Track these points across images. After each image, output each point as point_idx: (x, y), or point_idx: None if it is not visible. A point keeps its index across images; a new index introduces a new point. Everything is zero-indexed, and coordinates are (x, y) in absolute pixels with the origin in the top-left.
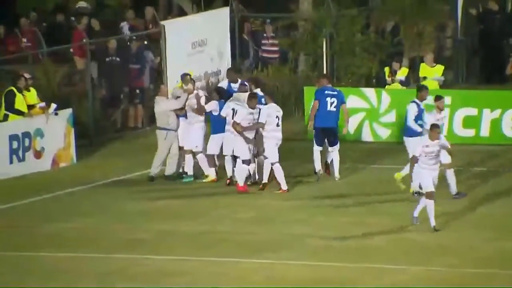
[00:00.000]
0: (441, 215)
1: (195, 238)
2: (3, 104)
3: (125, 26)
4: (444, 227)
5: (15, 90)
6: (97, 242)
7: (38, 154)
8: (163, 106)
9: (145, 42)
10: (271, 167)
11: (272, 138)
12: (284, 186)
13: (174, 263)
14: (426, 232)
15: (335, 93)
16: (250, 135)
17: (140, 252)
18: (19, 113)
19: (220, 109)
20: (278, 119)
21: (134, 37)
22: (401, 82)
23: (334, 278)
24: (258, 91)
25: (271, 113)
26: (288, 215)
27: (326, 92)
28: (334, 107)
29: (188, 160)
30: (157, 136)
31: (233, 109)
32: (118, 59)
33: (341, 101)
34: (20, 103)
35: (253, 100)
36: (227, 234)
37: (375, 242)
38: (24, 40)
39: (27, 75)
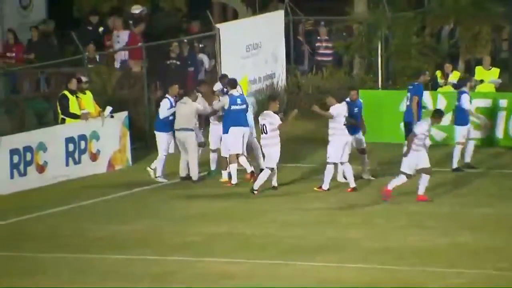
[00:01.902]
0: (483, 216)
1: (247, 241)
2: (58, 109)
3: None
4: (494, 229)
5: (67, 93)
6: (150, 244)
7: (94, 157)
8: (195, 107)
9: (200, 45)
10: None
11: (339, 138)
12: (325, 186)
13: (225, 266)
14: (479, 235)
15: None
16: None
17: (192, 254)
18: (75, 116)
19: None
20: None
21: (185, 40)
22: (454, 85)
23: (388, 281)
24: (235, 91)
25: (340, 112)
26: (343, 218)
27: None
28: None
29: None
30: (185, 138)
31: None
32: (176, 62)
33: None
34: (74, 106)
35: (273, 104)
36: (279, 237)
37: (430, 244)
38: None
39: (83, 78)
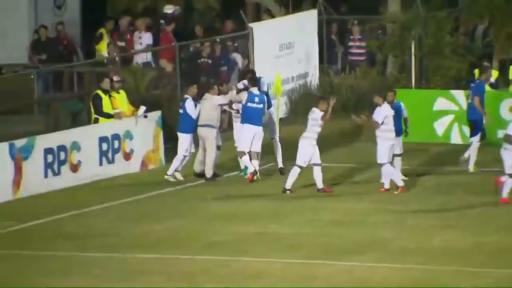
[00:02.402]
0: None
1: (280, 240)
2: (92, 108)
3: None
4: None
5: (100, 93)
6: (182, 243)
7: (127, 156)
8: (215, 101)
9: (234, 45)
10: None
11: (386, 139)
12: (387, 185)
13: (259, 265)
14: (509, 235)
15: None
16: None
17: (225, 253)
18: (108, 116)
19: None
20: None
21: (218, 39)
22: (491, 85)
23: (419, 280)
24: (255, 89)
25: (388, 114)
26: (373, 217)
27: None
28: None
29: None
30: (206, 134)
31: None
32: (209, 61)
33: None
34: (107, 105)
35: (321, 103)
36: (312, 236)
37: (460, 244)
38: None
39: (116, 78)
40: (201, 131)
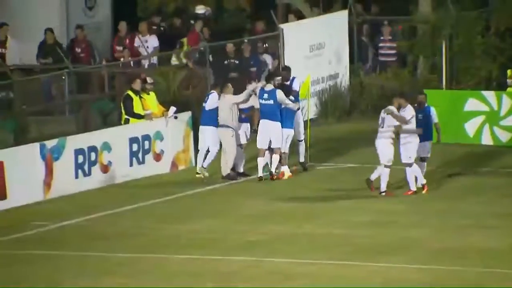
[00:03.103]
0: None
1: (313, 241)
2: (122, 109)
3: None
4: None
5: (131, 93)
6: (214, 243)
7: (157, 157)
8: (230, 100)
9: (265, 45)
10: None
11: (414, 140)
12: (412, 187)
13: (291, 265)
14: None
15: None
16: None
17: (257, 254)
18: (139, 117)
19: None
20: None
21: (246, 40)
22: None
23: (452, 281)
24: (268, 86)
25: (413, 114)
26: (404, 218)
27: None
28: None
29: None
30: (221, 134)
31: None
32: (236, 61)
33: None
34: (137, 106)
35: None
36: (344, 237)
37: (493, 245)
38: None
39: (149, 80)
40: (218, 131)
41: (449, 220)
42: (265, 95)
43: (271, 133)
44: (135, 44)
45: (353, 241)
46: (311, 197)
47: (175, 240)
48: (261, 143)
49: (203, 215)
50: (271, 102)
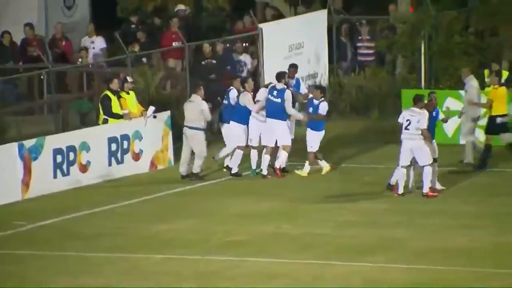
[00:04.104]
0: None
1: (295, 241)
2: (101, 109)
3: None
4: None
5: (109, 94)
6: (194, 243)
7: (136, 156)
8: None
9: (245, 45)
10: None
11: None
12: (426, 187)
13: (273, 265)
14: None
15: None
16: None
17: (237, 254)
18: (117, 116)
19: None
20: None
21: (224, 40)
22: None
23: (434, 281)
24: (279, 85)
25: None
26: (388, 218)
27: None
28: None
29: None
30: (192, 136)
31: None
32: (214, 61)
33: None
34: (116, 106)
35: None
36: (327, 237)
37: (478, 244)
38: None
39: (130, 79)
40: (186, 131)
41: (434, 220)
42: (275, 93)
43: (277, 131)
44: (83, 45)
45: (336, 241)
46: (295, 197)
47: (153, 240)
48: (267, 141)
49: (182, 215)
50: (279, 100)
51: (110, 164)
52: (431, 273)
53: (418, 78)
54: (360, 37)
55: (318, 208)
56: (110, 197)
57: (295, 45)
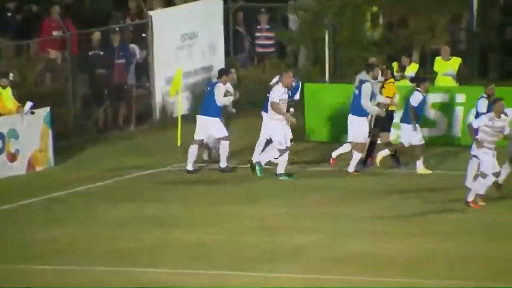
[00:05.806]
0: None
1: (190, 249)
2: None
3: None
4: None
5: None
6: (75, 252)
7: (12, 157)
8: None
9: (130, 35)
10: None
11: None
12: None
13: (159, 276)
14: (446, 242)
15: None
16: None
17: (130, 264)
18: None
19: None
20: None
21: (117, 29)
22: (411, 79)
23: None
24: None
25: None
26: (291, 224)
27: None
28: None
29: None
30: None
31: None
32: (101, 53)
33: None
34: None
35: None
36: (221, 244)
37: (385, 252)
38: None
39: (11, 74)
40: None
41: (340, 225)
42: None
43: (288, 130)
44: None
45: (234, 248)
46: (190, 201)
47: (27, 249)
48: (355, 137)
49: (60, 221)
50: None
51: None
52: (333, 282)
53: (321, 71)
54: (258, 27)
55: (220, 213)
56: None
57: (188, 34)
